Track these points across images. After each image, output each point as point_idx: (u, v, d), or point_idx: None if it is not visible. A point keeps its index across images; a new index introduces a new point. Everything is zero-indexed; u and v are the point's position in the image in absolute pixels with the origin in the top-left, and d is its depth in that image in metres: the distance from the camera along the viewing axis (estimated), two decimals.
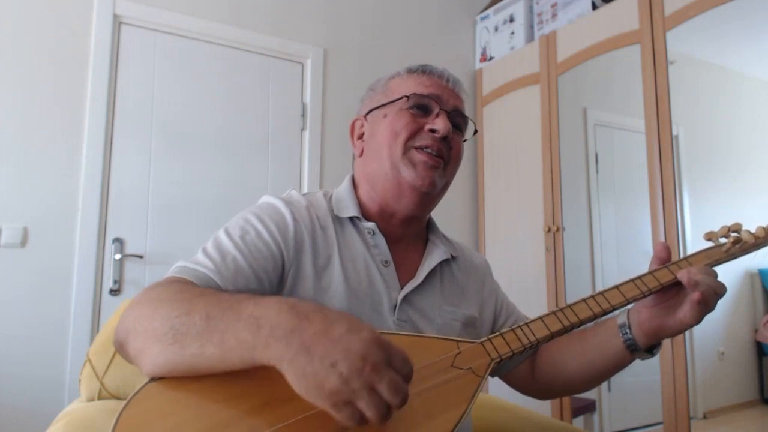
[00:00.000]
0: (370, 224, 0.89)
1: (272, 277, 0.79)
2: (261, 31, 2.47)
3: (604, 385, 2.43)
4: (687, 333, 1.98)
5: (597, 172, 2.56)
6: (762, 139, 2.20)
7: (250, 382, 0.60)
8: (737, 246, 0.82)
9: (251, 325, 0.57)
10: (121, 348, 0.68)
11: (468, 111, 0.97)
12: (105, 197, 2.10)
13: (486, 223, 2.90)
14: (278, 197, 0.88)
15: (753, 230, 0.83)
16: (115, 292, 2.08)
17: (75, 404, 1.05)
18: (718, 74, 2.37)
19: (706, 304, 0.76)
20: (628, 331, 0.82)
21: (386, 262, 0.88)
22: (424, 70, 0.92)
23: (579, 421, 2.35)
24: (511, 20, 2.87)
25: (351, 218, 0.89)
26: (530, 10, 2.81)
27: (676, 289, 0.79)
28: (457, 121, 0.92)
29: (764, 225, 0.84)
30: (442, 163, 0.88)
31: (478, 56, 3.07)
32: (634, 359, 0.85)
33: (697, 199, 2.16)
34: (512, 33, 2.86)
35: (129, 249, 2.12)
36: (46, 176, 2.00)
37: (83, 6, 2.12)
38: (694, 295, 0.75)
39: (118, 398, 1.05)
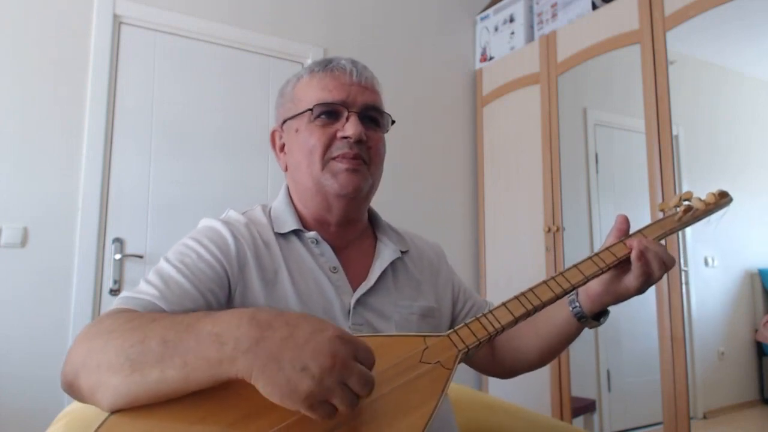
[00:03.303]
0: (312, 233, 0.88)
1: (219, 296, 0.77)
2: (261, 31, 2.47)
3: (604, 385, 2.43)
4: (687, 333, 1.98)
5: (597, 172, 2.56)
6: (762, 139, 2.20)
7: (217, 402, 0.59)
8: (689, 214, 0.84)
9: (213, 342, 0.57)
10: (71, 388, 0.65)
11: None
12: (105, 197, 2.10)
13: (486, 223, 2.90)
14: (215, 219, 0.87)
15: (703, 197, 0.85)
16: (115, 292, 2.08)
17: (75, 404, 1.04)
18: (718, 74, 2.37)
19: (649, 271, 0.78)
20: (574, 299, 0.85)
21: (334, 268, 0.87)
22: (326, 68, 0.89)
23: (579, 421, 2.35)
24: (511, 20, 2.87)
25: (293, 231, 0.88)
26: (530, 10, 2.81)
27: (627, 260, 0.80)
28: (372, 115, 0.89)
29: (714, 191, 0.86)
30: (363, 165, 0.86)
31: (478, 56, 3.07)
32: (583, 328, 0.86)
33: None
34: (512, 33, 2.86)
35: (129, 249, 2.12)
36: (46, 176, 2.00)
37: (83, 6, 2.12)
38: (634, 252, 0.77)
39: None
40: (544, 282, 0.77)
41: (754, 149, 2.24)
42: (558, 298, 0.76)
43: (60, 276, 1.99)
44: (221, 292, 0.78)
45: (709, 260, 2.23)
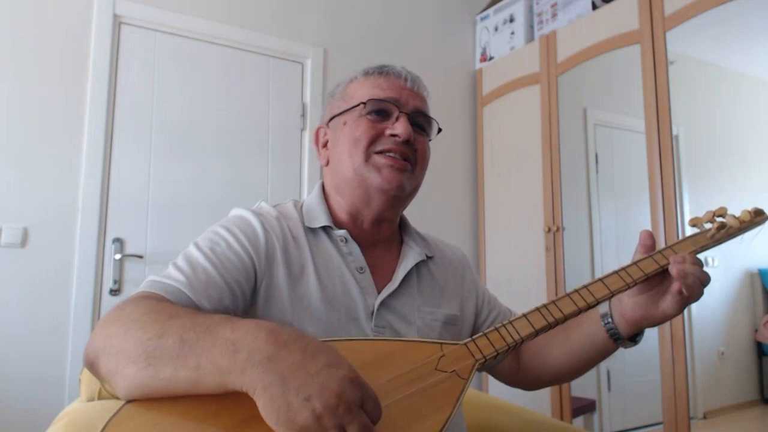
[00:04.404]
0: (342, 232, 0.88)
1: (245, 288, 0.78)
2: (261, 31, 2.47)
3: (604, 385, 2.43)
4: (687, 333, 1.98)
5: (597, 172, 2.56)
6: (762, 139, 2.20)
7: (226, 400, 0.59)
8: (722, 231, 0.80)
9: (228, 349, 0.56)
10: (92, 367, 0.66)
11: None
12: (105, 197, 2.10)
13: (486, 223, 2.90)
14: (248, 209, 0.87)
15: (738, 214, 0.81)
16: (115, 292, 2.08)
17: (75, 404, 1.04)
18: (718, 74, 2.37)
19: (690, 295, 0.75)
20: (610, 320, 0.82)
21: (361, 268, 0.87)
22: (380, 72, 0.91)
23: (579, 421, 2.35)
24: (511, 20, 2.87)
25: (323, 227, 0.88)
26: (530, 10, 2.81)
27: (660, 278, 0.78)
28: (419, 121, 0.90)
29: (749, 208, 0.82)
30: (409, 166, 0.87)
31: (478, 56, 3.07)
32: (618, 348, 0.84)
33: (697, 199, 2.16)
34: (512, 33, 2.86)
35: (129, 249, 2.12)
36: (46, 176, 2.00)
37: (83, 6, 2.12)
38: (675, 287, 0.75)
39: (117, 398, 1.05)
40: (568, 295, 0.75)
41: (754, 149, 2.24)
42: (581, 311, 0.74)
43: (60, 276, 1.99)
44: (247, 284, 0.78)
45: (709, 260, 2.23)
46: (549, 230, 2.49)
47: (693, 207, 2.12)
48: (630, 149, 2.29)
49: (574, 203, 2.51)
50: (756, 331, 2.21)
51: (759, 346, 2.22)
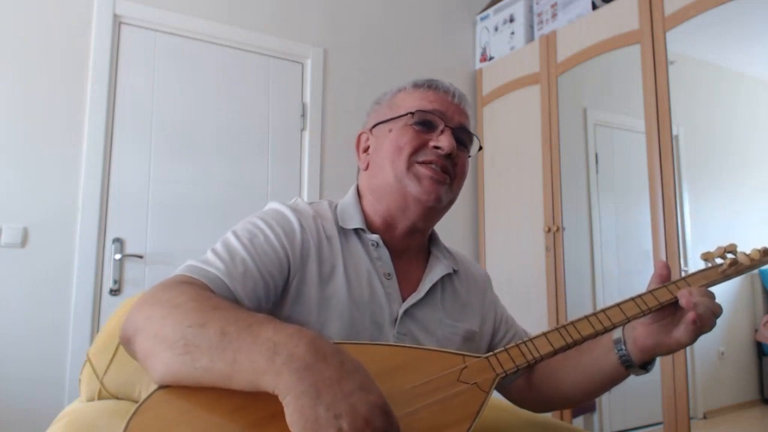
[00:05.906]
0: (374, 236, 0.89)
1: (278, 282, 0.79)
2: (261, 31, 2.47)
3: None
4: None
5: (597, 172, 2.56)
6: (761, 139, 2.20)
7: (254, 394, 0.60)
8: (733, 268, 0.84)
9: (268, 349, 0.57)
10: (127, 344, 0.67)
11: (470, 117, 0.96)
12: (105, 197, 2.10)
13: (486, 223, 2.90)
14: (285, 204, 0.88)
15: (748, 252, 0.85)
16: (115, 292, 2.08)
17: (75, 404, 1.05)
18: (717, 74, 2.37)
19: (703, 325, 0.77)
20: (623, 347, 0.83)
21: (389, 274, 0.88)
22: (430, 85, 0.93)
23: (579, 421, 2.35)
24: (511, 20, 2.87)
25: (356, 230, 0.90)
26: (530, 10, 2.81)
27: (673, 308, 0.80)
28: (462, 137, 0.92)
29: (759, 247, 0.86)
30: (448, 179, 0.89)
31: (478, 56, 3.07)
32: (629, 375, 0.86)
33: (697, 199, 2.16)
34: (512, 33, 2.86)
35: (129, 249, 2.12)
36: (46, 176, 2.00)
37: (83, 6, 2.12)
38: (690, 315, 0.76)
39: (117, 398, 1.05)
40: (586, 317, 0.78)
41: (754, 149, 2.24)
42: (597, 334, 0.77)
43: (60, 276, 1.99)
44: (280, 278, 0.79)
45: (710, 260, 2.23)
46: (549, 230, 2.49)
47: (693, 207, 2.12)
48: (630, 149, 2.29)
49: (574, 203, 2.51)
50: (756, 331, 2.21)
51: (759, 346, 2.22)
